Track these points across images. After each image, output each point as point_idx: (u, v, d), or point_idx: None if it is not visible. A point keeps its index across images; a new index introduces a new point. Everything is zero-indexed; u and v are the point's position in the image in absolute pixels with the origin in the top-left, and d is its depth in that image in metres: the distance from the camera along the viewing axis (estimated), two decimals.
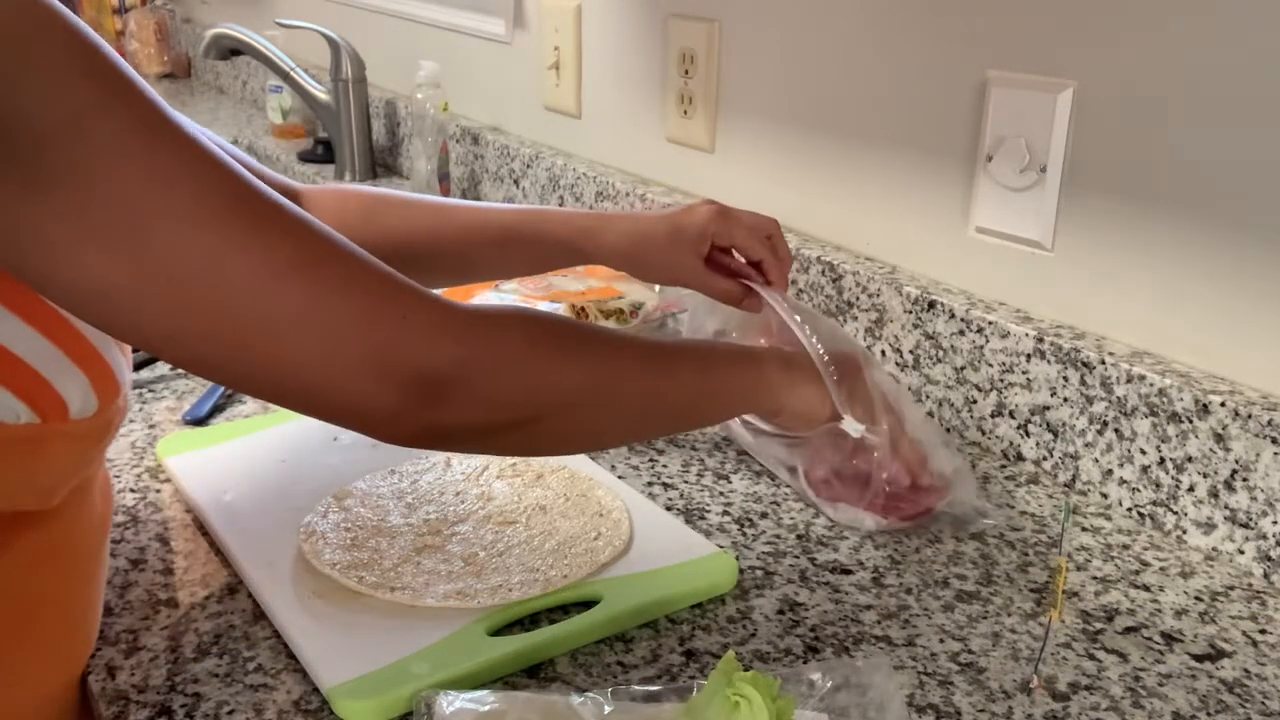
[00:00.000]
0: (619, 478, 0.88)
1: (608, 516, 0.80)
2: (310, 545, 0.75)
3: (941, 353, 1.00)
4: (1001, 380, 0.95)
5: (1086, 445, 0.90)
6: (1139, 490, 0.87)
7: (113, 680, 0.66)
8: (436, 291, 0.60)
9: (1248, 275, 0.82)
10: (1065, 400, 0.90)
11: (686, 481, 0.90)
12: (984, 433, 0.98)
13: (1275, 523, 0.79)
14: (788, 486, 0.89)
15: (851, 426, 0.81)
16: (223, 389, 1.01)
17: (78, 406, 0.60)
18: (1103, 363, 0.87)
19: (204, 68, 2.58)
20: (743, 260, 0.89)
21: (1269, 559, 0.79)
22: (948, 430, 1.01)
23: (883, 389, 0.83)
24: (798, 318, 0.84)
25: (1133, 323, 0.90)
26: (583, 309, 1.12)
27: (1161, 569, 0.81)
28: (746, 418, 0.91)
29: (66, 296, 0.52)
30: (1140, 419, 0.85)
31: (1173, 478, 0.84)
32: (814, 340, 0.82)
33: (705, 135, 1.27)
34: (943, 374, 1.00)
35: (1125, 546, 0.84)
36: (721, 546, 0.80)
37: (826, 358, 0.81)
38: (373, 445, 0.90)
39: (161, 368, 1.06)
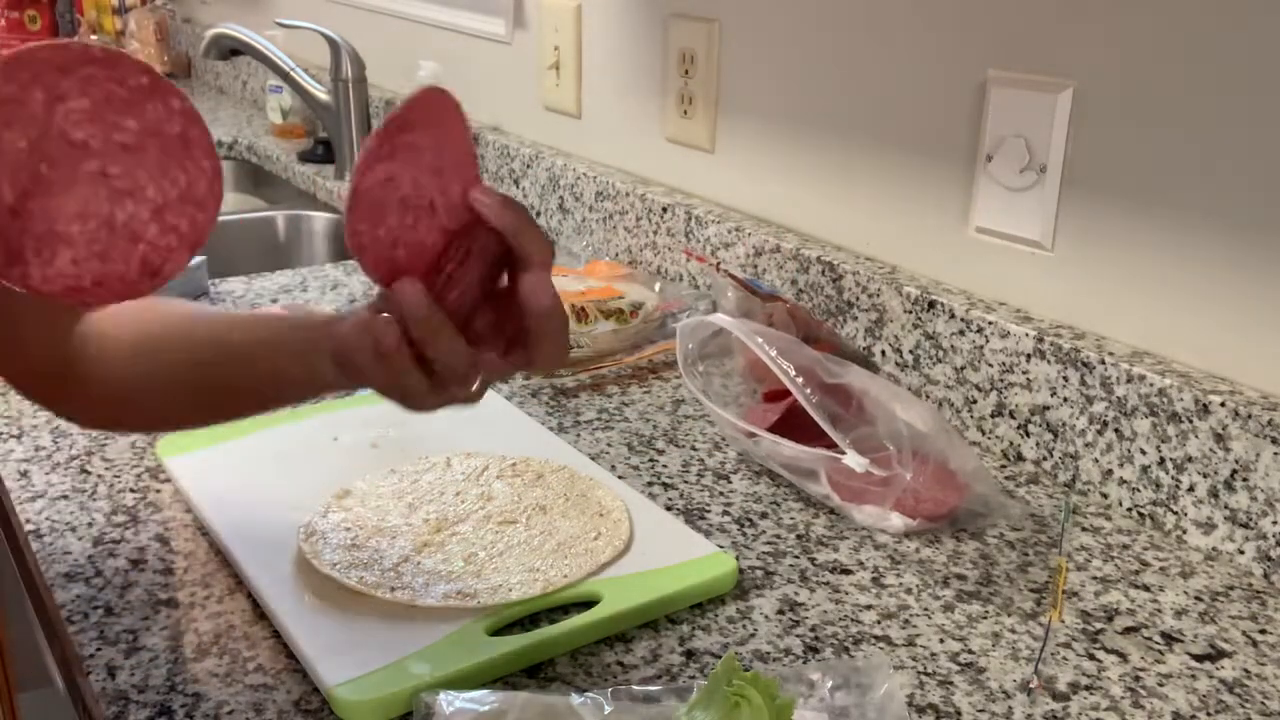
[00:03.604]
0: (619, 478, 0.88)
1: (608, 516, 0.80)
2: (310, 545, 0.75)
3: (941, 353, 1.00)
4: (1001, 380, 0.95)
5: (1086, 445, 0.90)
6: (1139, 490, 0.87)
7: (113, 680, 0.66)
8: None
9: (1248, 275, 0.82)
10: (1065, 400, 0.90)
11: (686, 481, 0.90)
12: (984, 433, 0.98)
13: (1275, 523, 0.79)
14: (788, 486, 0.89)
15: (855, 461, 0.81)
16: None
17: None
18: (1103, 363, 0.87)
19: (204, 68, 2.58)
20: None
21: (1269, 559, 0.79)
22: None
23: (882, 403, 0.82)
24: (772, 352, 0.83)
25: (1133, 323, 0.90)
26: (583, 309, 1.12)
27: (1161, 569, 0.81)
28: (750, 426, 0.90)
29: None
30: (1140, 419, 0.85)
31: (1173, 478, 0.84)
32: (799, 380, 0.82)
33: (705, 135, 1.27)
34: (943, 374, 1.00)
35: (1125, 546, 0.84)
36: (721, 546, 0.80)
37: (815, 399, 0.81)
38: (372, 445, 0.91)
39: None
